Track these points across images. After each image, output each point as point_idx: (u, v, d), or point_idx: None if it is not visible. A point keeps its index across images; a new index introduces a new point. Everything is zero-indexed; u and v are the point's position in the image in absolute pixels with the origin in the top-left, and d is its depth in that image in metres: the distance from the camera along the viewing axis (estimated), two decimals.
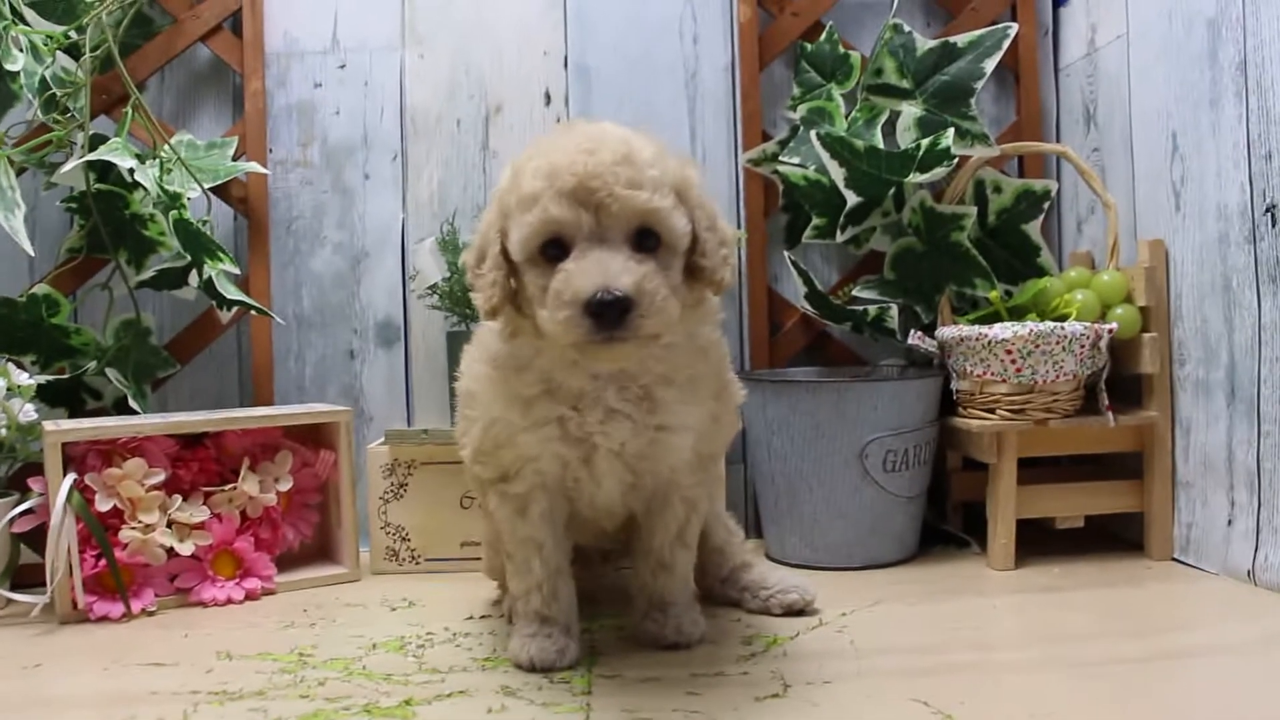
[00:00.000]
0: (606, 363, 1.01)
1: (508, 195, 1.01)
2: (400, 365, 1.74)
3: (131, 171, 1.49)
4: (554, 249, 0.96)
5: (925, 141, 1.51)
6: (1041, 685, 1.06)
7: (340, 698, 1.05)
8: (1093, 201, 1.64)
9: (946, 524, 1.64)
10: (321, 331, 1.74)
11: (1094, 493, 1.51)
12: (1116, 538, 1.58)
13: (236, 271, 1.55)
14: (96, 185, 1.55)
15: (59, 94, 1.54)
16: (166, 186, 1.48)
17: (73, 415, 1.58)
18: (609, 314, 0.92)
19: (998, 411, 1.47)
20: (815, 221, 1.63)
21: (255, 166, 1.61)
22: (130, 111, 1.55)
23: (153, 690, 1.09)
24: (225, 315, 1.63)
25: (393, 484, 1.56)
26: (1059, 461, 1.61)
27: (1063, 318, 1.48)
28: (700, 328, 1.10)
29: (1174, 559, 1.49)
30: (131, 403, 1.54)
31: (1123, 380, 1.51)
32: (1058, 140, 1.73)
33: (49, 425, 1.41)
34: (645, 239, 0.96)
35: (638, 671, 1.14)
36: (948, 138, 1.49)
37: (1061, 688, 1.04)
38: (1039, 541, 1.53)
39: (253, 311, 1.59)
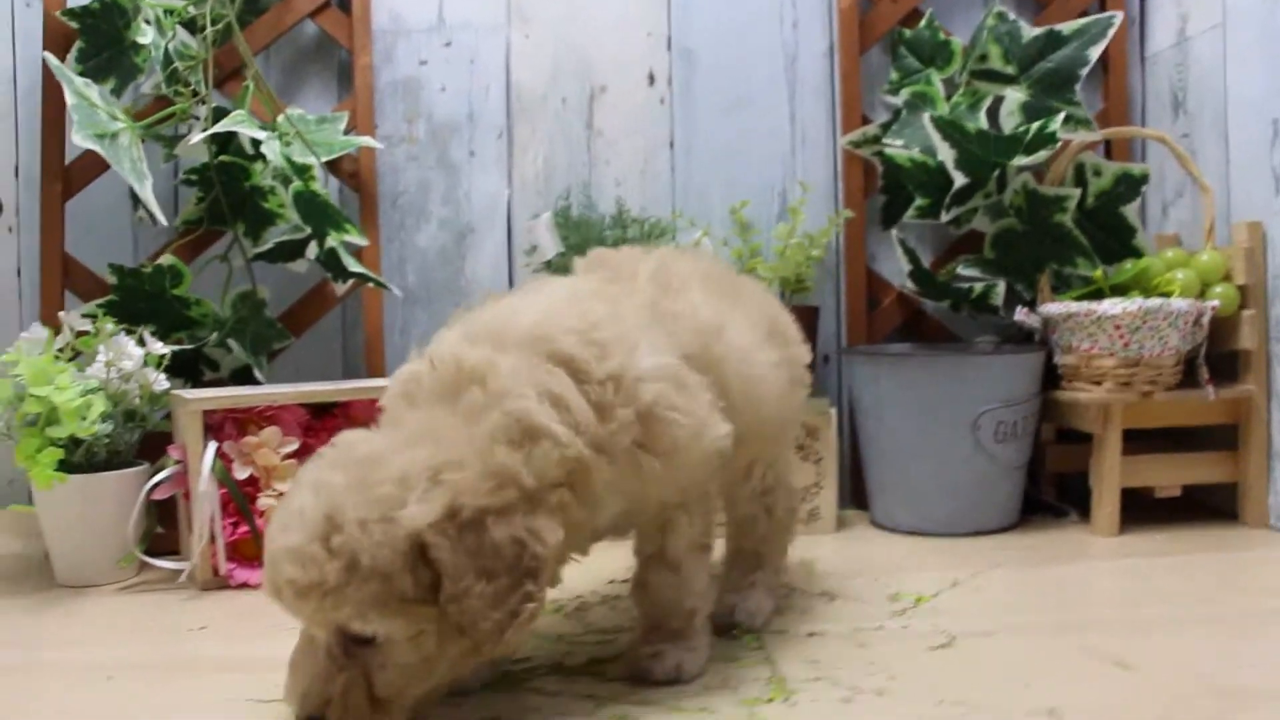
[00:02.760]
0: None
1: None
2: None
3: (257, 143, 1.51)
4: None
5: (1035, 125, 1.56)
6: (1194, 636, 1.11)
7: (519, 661, 1.07)
8: (1180, 186, 1.71)
9: (1044, 494, 1.70)
10: (426, 306, 1.77)
11: (1193, 463, 1.57)
12: (1208, 507, 1.65)
13: (364, 243, 1.57)
14: (219, 157, 1.56)
15: (181, 67, 1.55)
16: (293, 159, 1.50)
17: (192, 386, 1.59)
18: None
19: (1104, 384, 1.53)
20: (918, 202, 1.68)
21: (369, 141, 1.63)
22: (250, 85, 1.57)
23: None
24: (341, 288, 1.65)
25: None
26: (1150, 436, 1.67)
27: (1165, 295, 1.54)
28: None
29: (1270, 526, 1.55)
30: (257, 374, 1.56)
31: (1219, 356, 1.57)
32: (1143, 127, 1.79)
33: (186, 394, 1.42)
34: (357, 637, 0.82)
35: (803, 626, 1.18)
36: (1057, 122, 1.55)
37: (1214, 639, 1.11)
38: (1135, 510, 1.59)
39: (369, 284, 1.61)
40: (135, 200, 1.62)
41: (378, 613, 0.80)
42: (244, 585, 1.38)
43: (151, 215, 1.51)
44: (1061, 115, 1.56)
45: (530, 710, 0.95)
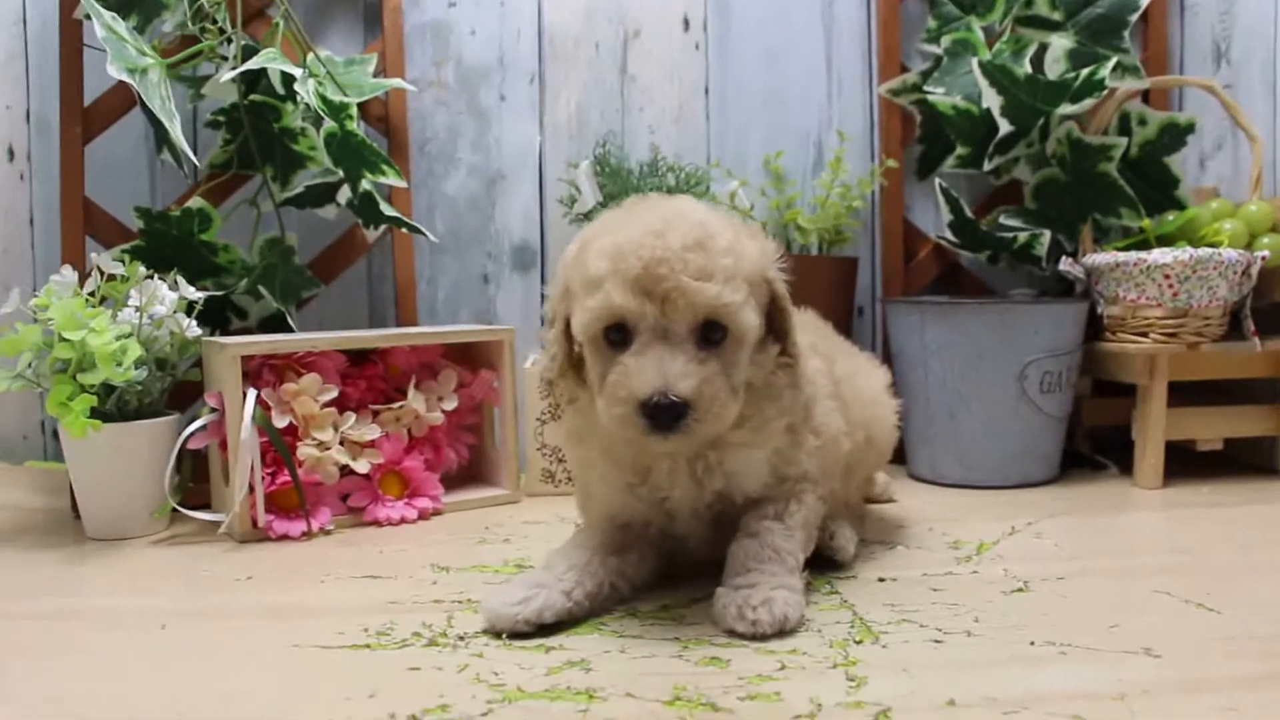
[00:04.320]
0: (658, 450, 0.97)
1: (573, 271, 0.96)
2: (536, 289, 1.74)
3: (289, 82, 1.46)
4: (616, 334, 0.92)
5: (1084, 72, 1.54)
6: (1270, 580, 1.11)
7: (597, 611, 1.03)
8: (1220, 138, 1.69)
9: (1080, 447, 1.69)
10: (455, 255, 1.73)
11: (1236, 416, 1.57)
12: (1243, 463, 1.65)
13: (402, 184, 1.52)
14: (248, 97, 1.51)
15: (206, 4, 1.49)
16: (330, 97, 1.45)
17: (220, 335, 1.54)
18: (663, 416, 0.89)
19: (1151, 335, 1.52)
20: (959, 151, 1.66)
21: (401, 83, 1.58)
22: (280, 23, 1.51)
23: (390, 600, 1.09)
24: (373, 234, 1.61)
25: (549, 404, 1.55)
26: (1184, 389, 1.66)
27: (1213, 246, 1.53)
28: (773, 383, 1.03)
29: None
30: (290, 321, 1.51)
31: (1263, 309, 1.57)
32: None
33: (223, 340, 1.38)
34: (712, 332, 0.92)
35: (871, 572, 1.16)
36: (1106, 68, 1.53)
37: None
38: (1174, 464, 1.59)
39: (402, 229, 1.56)
40: (158, 144, 1.56)
41: (750, 306, 0.93)
42: (284, 537, 1.35)
43: (177, 157, 1.46)
44: (1112, 61, 1.54)
45: (616, 652, 0.92)
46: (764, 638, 0.95)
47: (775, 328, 1.00)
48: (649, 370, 0.89)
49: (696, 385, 0.89)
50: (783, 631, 0.95)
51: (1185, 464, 1.62)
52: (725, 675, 0.86)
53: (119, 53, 1.32)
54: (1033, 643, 0.93)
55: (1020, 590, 1.09)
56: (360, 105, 1.60)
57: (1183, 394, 1.62)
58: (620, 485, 1.03)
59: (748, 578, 0.99)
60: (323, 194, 1.57)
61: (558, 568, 1.01)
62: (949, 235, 1.68)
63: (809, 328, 1.13)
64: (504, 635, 0.96)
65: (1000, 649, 0.92)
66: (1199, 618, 0.99)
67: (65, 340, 1.29)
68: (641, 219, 0.92)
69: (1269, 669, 0.86)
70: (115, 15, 1.40)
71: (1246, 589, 1.08)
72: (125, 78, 1.31)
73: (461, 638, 0.96)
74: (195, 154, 1.62)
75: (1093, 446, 1.71)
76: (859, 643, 0.94)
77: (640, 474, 1.02)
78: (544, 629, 0.97)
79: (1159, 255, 1.48)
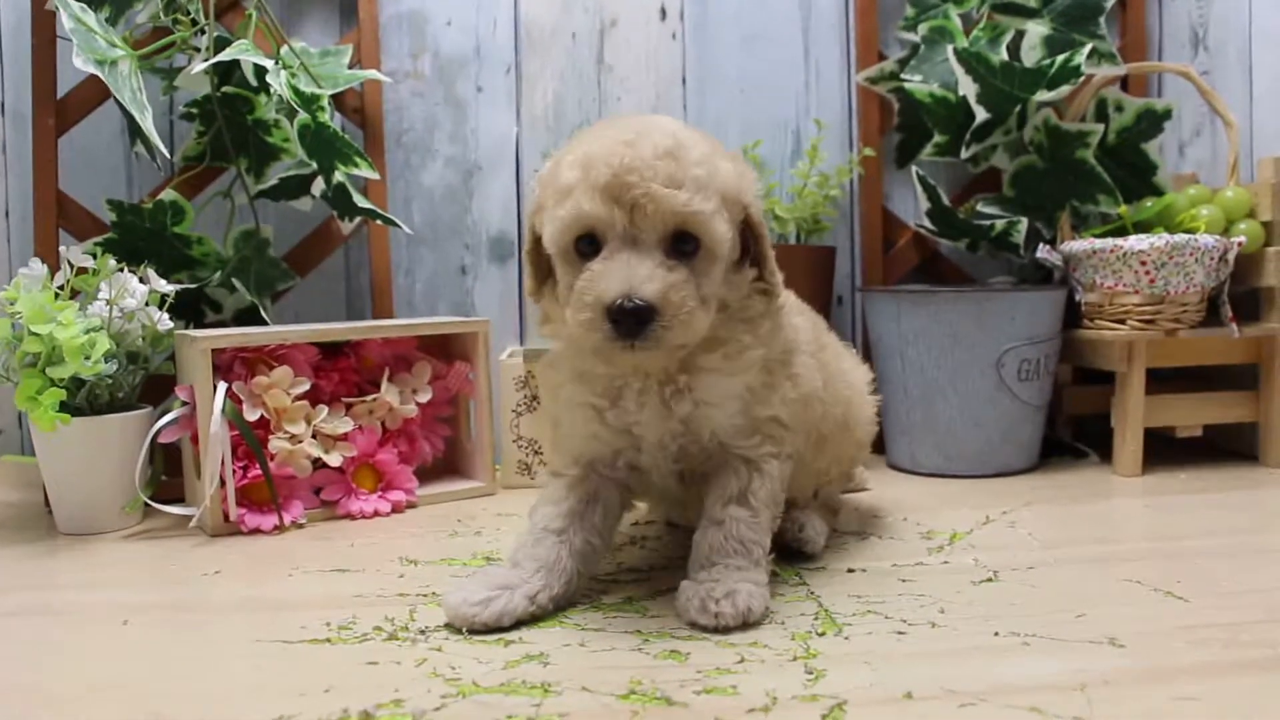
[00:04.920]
0: (627, 365, 0.97)
1: (546, 185, 0.95)
2: (514, 281, 1.73)
3: (263, 73, 1.45)
4: (586, 244, 0.92)
5: (1059, 58, 1.53)
6: (1239, 567, 1.10)
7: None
8: (1198, 125, 1.68)
9: (1062, 435, 1.68)
10: (433, 247, 1.72)
11: (1215, 403, 1.57)
12: (1224, 450, 1.64)
13: (374, 175, 1.51)
14: (221, 89, 1.50)
15: None
16: (302, 89, 1.44)
17: (194, 328, 1.54)
18: (628, 321, 0.88)
19: (1128, 322, 1.51)
20: (937, 139, 1.65)
21: (376, 74, 1.57)
22: (253, 14, 1.50)
23: (355, 594, 1.08)
24: (347, 226, 1.60)
25: (525, 397, 1.55)
26: (1164, 376, 1.66)
27: (1190, 232, 1.52)
28: (749, 308, 1.01)
29: None
30: (264, 314, 1.51)
31: (1240, 294, 1.56)
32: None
33: (194, 333, 1.37)
34: (683, 243, 0.91)
35: (840, 563, 1.16)
36: (1082, 54, 1.52)
37: (1259, 570, 1.10)
38: (1154, 451, 1.58)
39: (377, 221, 1.56)
40: (132, 136, 1.56)
41: (721, 217, 0.92)
42: (255, 531, 1.34)
43: (151, 149, 1.45)
44: (1087, 48, 1.53)
45: (576, 646, 0.92)
46: (727, 630, 0.94)
47: (751, 252, 0.99)
48: (615, 275, 0.88)
49: (662, 289, 0.88)
50: (746, 624, 0.95)
51: (1166, 451, 1.62)
52: (683, 669, 0.86)
53: (87, 44, 1.31)
54: (997, 633, 0.93)
55: (989, 580, 1.08)
56: (336, 97, 1.60)
57: (1163, 381, 1.62)
58: (589, 412, 1.01)
59: (712, 571, 0.99)
60: (297, 186, 1.57)
61: (526, 567, 1.00)
62: (927, 223, 1.67)
63: (797, 310, 1.12)
64: (464, 630, 0.95)
65: (963, 640, 0.91)
66: (1167, 606, 0.98)
67: (34, 334, 1.28)
68: (614, 130, 0.92)
69: (1232, 658, 0.86)
70: (85, 7, 1.39)
71: (1217, 577, 1.07)
72: (93, 69, 1.30)
73: (422, 632, 0.96)
74: (171, 146, 1.62)
75: (1074, 434, 1.70)
76: (822, 635, 0.93)
77: (610, 396, 1.00)
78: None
79: (1135, 242, 1.48)
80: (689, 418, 0.99)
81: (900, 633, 0.94)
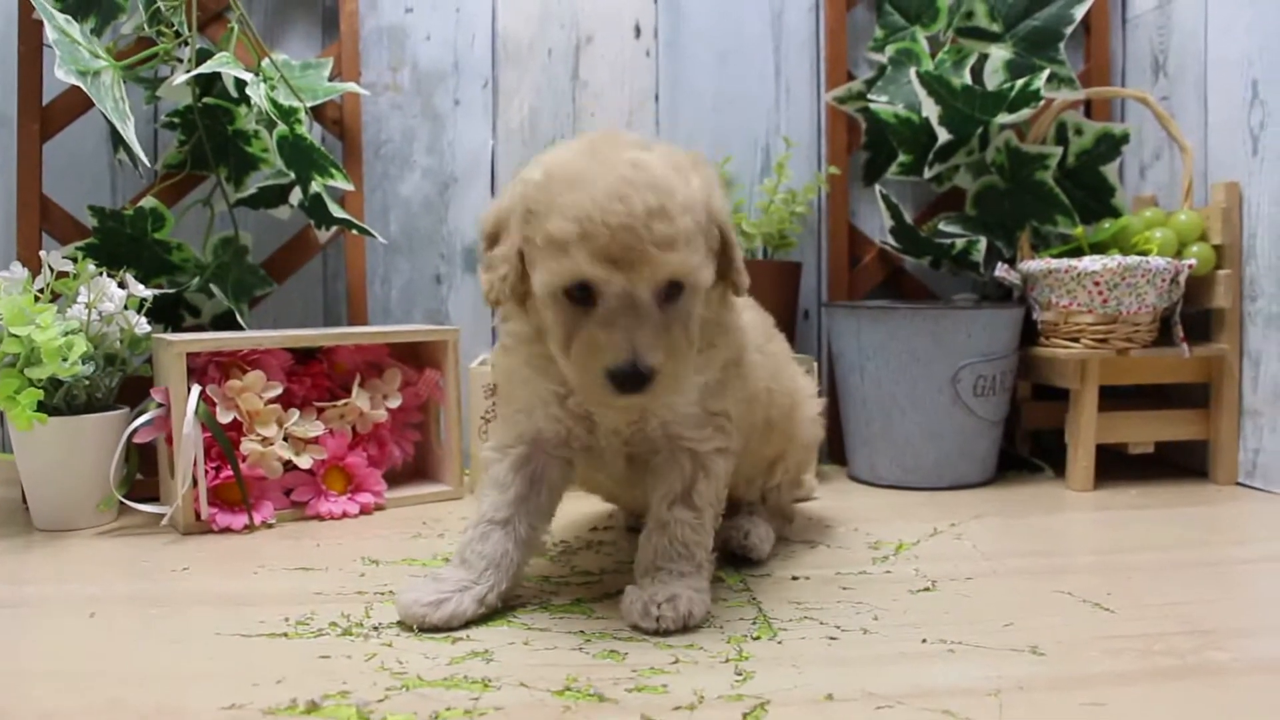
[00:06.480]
0: (618, 405, 0.99)
1: (535, 204, 0.94)
2: None
3: (242, 85, 1.49)
4: (580, 292, 0.93)
5: (1019, 83, 1.57)
6: (1171, 581, 1.14)
7: (510, 598, 1.07)
8: (1158, 148, 1.73)
9: (1018, 450, 1.72)
10: (409, 256, 1.76)
11: (1166, 421, 1.61)
12: (1177, 465, 1.68)
13: (349, 187, 1.55)
14: (202, 100, 1.54)
15: (164, 7, 1.52)
16: (280, 101, 1.48)
17: (173, 332, 1.57)
18: (631, 382, 0.92)
19: (1082, 341, 1.56)
20: (901, 158, 1.69)
21: (354, 87, 1.61)
22: (235, 27, 1.55)
23: (315, 591, 1.12)
24: (323, 235, 1.64)
25: (494, 404, 1.59)
26: (1121, 393, 1.70)
27: (1143, 254, 1.56)
28: (720, 314, 1.06)
29: (1239, 483, 1.59)
30: (240, 319, 1.55)
31: (1193, 315, 1.60)
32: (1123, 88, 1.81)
33: (170, 337, 1.41)
34: (671, 290, 0.94)
35: (786, 571, 1.20)
36: (1040, 79, 1.56)
37: (1190, 585, 1.14)
38: (1108, 467, 1.62)
39: (353, 231, 1.60)
40: (115, 143, 1.60)
41: (706, 258, 0.96)
42: (226, 529, 1.38)
43: (133, 157, 1.49)
44: (1045, 73, 1.57)
45: (520, 644, 0.95)
46: (667, 633, 0.98)
47: (721, 260, 1.01)
48: (619, 344, 0.91)
49: (664, 357, 0.92)
50: (686, 627, 0.99)
51: (1119, 467, 1.66)
52: (619, 668, 0.90)
53: (70, 55, 1.35)
54: (925, 640, 0.96)
55: (927, 590, 1.12)
56: (316, 108, 1.64)
57: (1119, 398, 1.66)
58: (546, 394, 1.04)
59: (657, 576, 1.03)
60: (275, 195, 1.61)
61: (475, 566, 1.04)
62: (891, 240, 1.72)
63: (746, 305, 1.16)
64: (415, 628, 0.99)
65: (892, 646, 0.95)
66: (1092, 617, 1.02)
67: (13, 335, 1.32)
68: (605, 179, 0.92)
69: (1143, 666, 0.90)
70: (70, 18, 1.43)
71: (1147, 589, 1.11)
72: (75, 80, 1.34)
73: (376, 628, 1.00)
74: (154, 153, 1.66)
75: (1032, 449, 1.74)
76: (756, 639, 0.97)
77: (568, 384, 1.03)
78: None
79: (1089, 262, 1.52)
80: (649, 407, 1.03)
81: (832, 638, 0.97)
